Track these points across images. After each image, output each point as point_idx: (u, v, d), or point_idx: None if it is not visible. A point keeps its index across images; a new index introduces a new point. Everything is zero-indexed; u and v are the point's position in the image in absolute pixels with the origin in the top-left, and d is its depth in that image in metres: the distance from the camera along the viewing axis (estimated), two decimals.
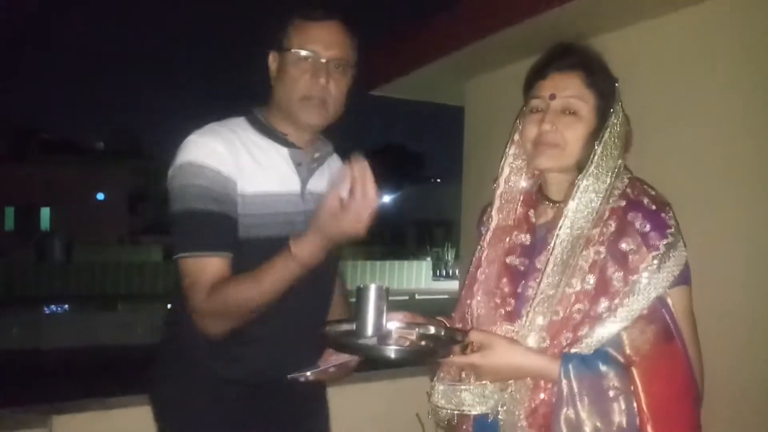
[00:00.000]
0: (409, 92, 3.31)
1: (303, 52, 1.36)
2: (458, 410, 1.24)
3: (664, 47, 2.03)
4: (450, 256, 21.39)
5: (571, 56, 1.27)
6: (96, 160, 28.31)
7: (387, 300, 1.19)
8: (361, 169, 1.16)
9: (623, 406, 1.11)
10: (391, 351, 1.15)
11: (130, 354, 8.70)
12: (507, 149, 1.36)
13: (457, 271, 19.14)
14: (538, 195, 1.34)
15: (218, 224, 1.31)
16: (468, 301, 1.35)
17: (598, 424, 1.10)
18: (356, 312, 1.19)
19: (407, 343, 1.21)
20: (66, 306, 12.80)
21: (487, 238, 1.35)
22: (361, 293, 1.18)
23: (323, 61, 1.37)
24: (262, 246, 1.32)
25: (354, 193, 1.16)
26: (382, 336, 1.19)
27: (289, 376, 1.36)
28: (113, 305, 12.78)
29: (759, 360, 1.71)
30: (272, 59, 1.43)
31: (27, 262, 15.91)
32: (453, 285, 16.85)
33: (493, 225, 1.35)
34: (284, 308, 1.32)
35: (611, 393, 1.11)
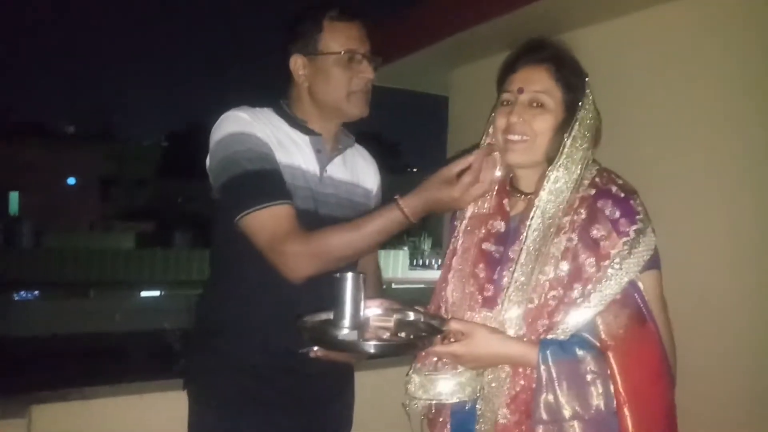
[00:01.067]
0: (393, 81, 3.30)
1: (347, 53, 1.46)
2: (436, 400, 1.27)
3: (651, 40, 2.04)
4: (427, 245, 21.45)
5: (540, 51, 1.30)
6: (66, 143, 27.63)
7: (364, 289, 1.19)
8: (491, 159, 1.29)
9: (600, 390, 1.14)
10: (370, 346, 1.14)
11: (102, 342, 8.62)
12: (482, 141, 1.39)
13: (433, 261, 19.25)
14: (510, 188, 1.38)
15: (274, 178, 1.41)
16: (442, 292, 1.37)
17: (577, 407, 1.13)
18: (333, 302, 1.19)
19: (386, 334, 1.20)
20: (36, 292, 12.56)
21: (462, 226, 1.39)
22: (337, 283, 1.18)
23: (363, 56, 1.49)
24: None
25: (472, 173, 1.28)
26: (360, 325, 1.18)
27: (300, 350, 1.39)
28: (84, 292, 12.58)
29: (737, 348, 1.75)
30: (297, 62, 1.50)
31: None
32: (429, 274, 16.95)
33: (468, 214, 1.39)
34: (302, 287, 1.39)
35: (588, 377, 1.14)
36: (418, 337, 1.21)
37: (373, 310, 1.26)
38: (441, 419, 1.34)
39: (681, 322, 1.31)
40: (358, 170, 1.67)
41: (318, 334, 1.21)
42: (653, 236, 1.21)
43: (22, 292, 12.31)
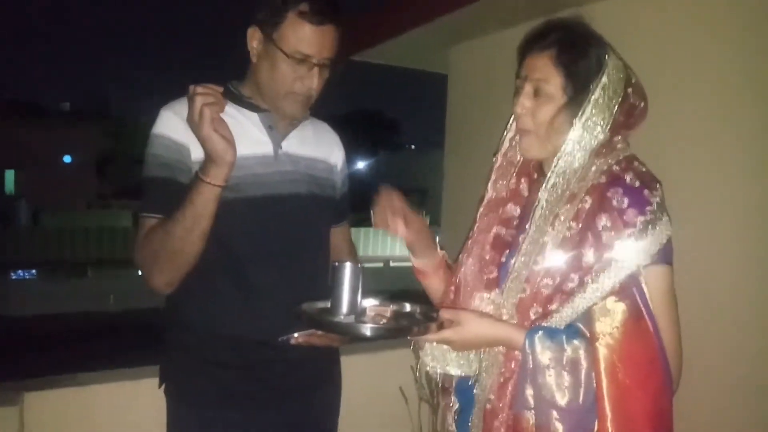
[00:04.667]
0: (392, 58, 3.25)
1: (297, 54, 1.38)
2: (443, 370, 1.29)
3: (655, 22, 1.98)
4: None
5: (546, 35, 1.25)
6: (62, 121, 27.40)
7: (362, 278, 1.22)
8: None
9: (582, 381, 1.11)
10: (367, 329, 1.17)
11: (100, 322, 8.63)
12: (509, 124, 1.35)
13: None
14: (538, 173, 1.34)
15: (163, 188, 1.39)
16: (458, 274, 1.36)
17: (557, 396, 1.11)
18: (331, 290, 1.22)
19: (383, 321, 1.22)
20: (33, 272, 12.56)
21: (480, 210, 1.37)
22: (336, 271, 1.20)
23: (315, 62, 1.39)
24: (234, 205, 1.38)
25: None
26: (357, 314, 1.21)
27: (279, 339, 1.38)
28: (82, 271, 12.59)
29: (748, 354, 1.72)
30: (255, 38, 1.42)
31: None
32: None
33: (487, 197, 1.37)
34: (261, 273, 1.42)
35: (569, 366, 1.12)
36: (414, 323, 1.24)
37: (370, 301, 1.28)
38: (449, 387, 1.37)
39: (684, 320, 1.25)
40: (320, 145, 1.61)
41: (317, 318, 1.23)
42: (666, 230, 1.15)
43: (20, 272, 12.30)
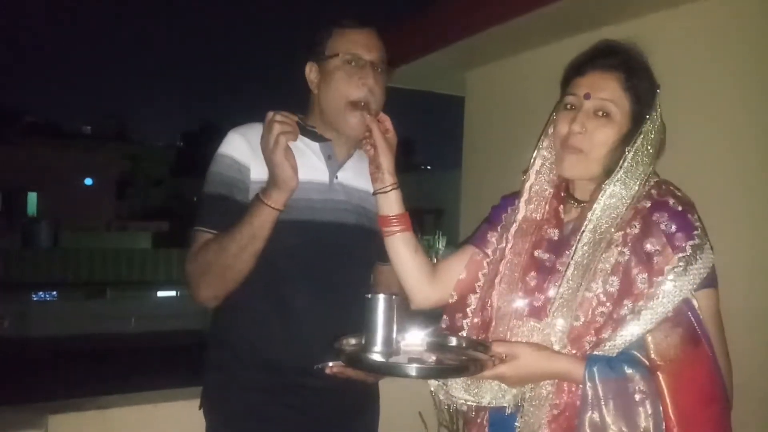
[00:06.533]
0: (409, 82, 3.29)
1: (348, 55, 1.46)
2: (476, 402, 1.22)
3: (668, 42, 1.99)
4: (441, 244, 21.44)
5: (612, 56, 1.23)
6: (83, 144, 27.97)
7: (397, 310, 1.14)
8: None
9: (649, 411, 1.07)
10: (419, 370, 1.08)
11: (120, 343, 8.68)
12: (540, 141, 1.33)
13: None
14: (565, 194, 1.32)
15: (220, 205, 1.44)
16: (487, 298, 1.31)
17: (624, 428, 1.07)
18: (365, 324, 1.14)
19: (431, 358, 1.14)
20: (54, 293, 12.68)
21: (513, 230, 1.32)
22: (369, 304, 1.13)
23: (366, 61, 1.46)
24: (281, 226, 1.39)
25: None
26: (393, 348, 1.13)
27: (315, 366, 1.37)
28: (101, 292, 12.69)
29: (759, 359, 1.70)
30: (311, 69, 1.52)
31: (13, 247, 15.70)
32: None
33: (519, 217, 1.32)
34: (300, 296, 1.44)
35: (637, 397, 1.08)
36: (469, 361, 1.15)
37: (410, 334, 1.19)
38: (479, 420, 1.30)
39: None
40: None
41: (358, 358, 1.15)
42: (711, 253, 1.13)
43: (41, 293, 12.43)
